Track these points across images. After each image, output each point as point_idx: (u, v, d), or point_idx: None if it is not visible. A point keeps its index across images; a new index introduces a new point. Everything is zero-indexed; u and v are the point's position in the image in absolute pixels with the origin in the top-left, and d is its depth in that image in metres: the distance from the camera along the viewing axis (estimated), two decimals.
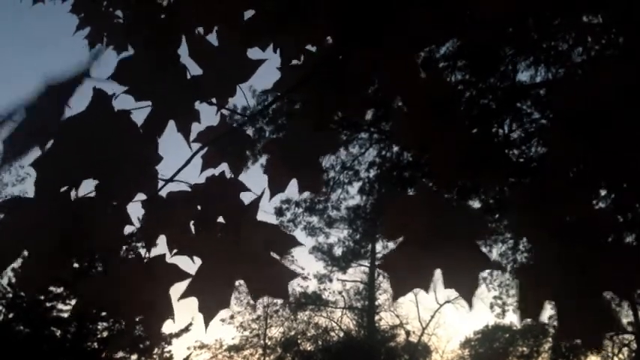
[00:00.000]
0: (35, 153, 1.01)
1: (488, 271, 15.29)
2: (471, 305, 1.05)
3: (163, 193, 1.18)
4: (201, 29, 1.22)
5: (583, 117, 1.10)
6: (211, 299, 1.08)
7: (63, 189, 1.04)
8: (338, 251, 21.35)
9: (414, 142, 1.34)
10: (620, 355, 20.15)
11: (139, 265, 1.10)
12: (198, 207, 1.18)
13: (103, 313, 13.85)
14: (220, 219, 1.17)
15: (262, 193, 1.16)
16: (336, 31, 1.24)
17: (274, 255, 1.11)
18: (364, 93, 1.27)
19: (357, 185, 13.93)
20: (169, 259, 1.10)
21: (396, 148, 11.35)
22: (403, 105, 1.25)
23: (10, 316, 13.86)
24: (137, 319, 1.07)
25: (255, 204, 1.16)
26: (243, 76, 1.29)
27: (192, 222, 1.17)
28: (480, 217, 1.23)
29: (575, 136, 1.10)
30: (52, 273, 1.08)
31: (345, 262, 21.59)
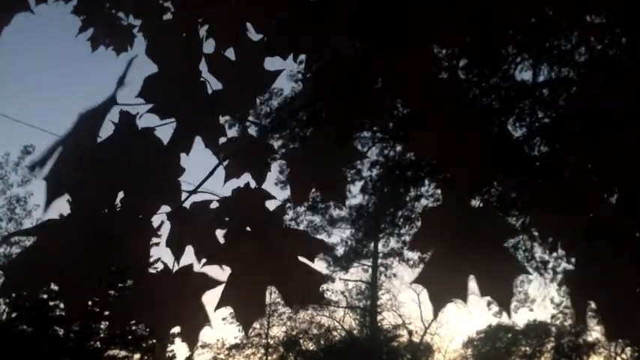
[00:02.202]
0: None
1: None
2: (509, 313, 1.04)
3: (188, 203, 1.19)
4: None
5: (595, 117, 1.11)
6: (247, 308, 1.09)
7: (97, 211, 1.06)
8: (340, 251, 21.36)
9: (433, 150, 1.34)
10: (623, 355, 20.16)
11: (168, 276, 1.10)
12: (226, 218, 1.19)
13: (106, 312, 13.89)
14: (248, 228, 1.17)
15: (287, 199, 1.17)
16: (359, 37, 1.24)
17: (303, 260, 1.12)
18: (386, 100, 1.28)
19: (359, 184, 13.92)
20: (198, 269, 1.11)
21: (398, 147, 11.36)
22: (422, 113, 1.26)
23: (13, 315, 13.89)
24: (173, 332, 1.08)
25: (280, 211, 1.17)
26: (261, 88, 1.30)
27: (218, 231, 1.18)
28: (502, 218, 1.24)
29: (588, 136, 1.11)
30: (87, 295, 1.09)
31: (347, 261, 21.59)
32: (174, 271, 1.10)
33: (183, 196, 1.14)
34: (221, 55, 1.26)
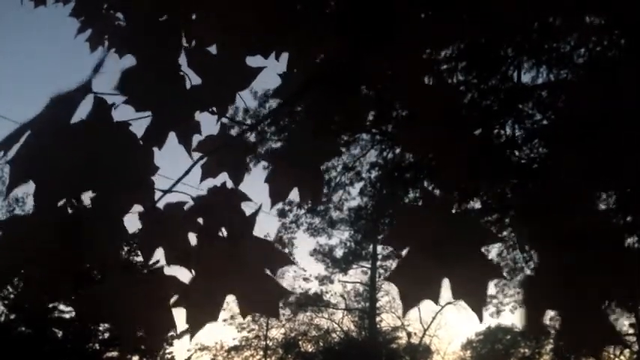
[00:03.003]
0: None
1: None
2: (481, 318, 1.02)
3: (162, 203, 1.16)
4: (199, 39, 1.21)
5: (585, 120, 1.09)
6: (200, 312, 1.07)
7: (61, 202, 1.02)
8: (339, 253, 21.35)
9: (421, 149, 1.32)
10: (622, 357, 20.13)
11: (138, 277, 1.08)
12: (200, 219, 1.16)
13: None
14: (223, 230, 1.15)
15: (259, 207, 1.14)
16: (344, 38, 1.22)
17: (267, 272, 1.09)
18: (366, 99, 1.26)
19: (358, 186, 13.90)
20: (168, 271, 1.08)
21: (397, 150, 11.33)
22: (412, 112, 1.25)
23: (12, 317, 13.87)
24: (139, 334, 1.05)
25: (252, 218, 1.14)
26: (242, 84, 1.27)
27: (190, 233, 1.15)
28: (483, 223, 1.22)
29: (577, 139, 1.09)
30: (52, 288, 1.06)
31: (346, 263, 21.58)
32: (144, 272, 1.07)
33: (158, 195, 1.11)
34: (202, 49, 1.24)
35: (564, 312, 0.99)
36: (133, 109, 1.11)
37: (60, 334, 14.07)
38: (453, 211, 1.14)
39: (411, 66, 1.19)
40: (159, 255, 1.17)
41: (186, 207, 1.17)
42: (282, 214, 16.30)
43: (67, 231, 1.00)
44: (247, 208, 1.18)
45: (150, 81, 1.14)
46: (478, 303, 1.02)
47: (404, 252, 1.06)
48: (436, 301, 1.03)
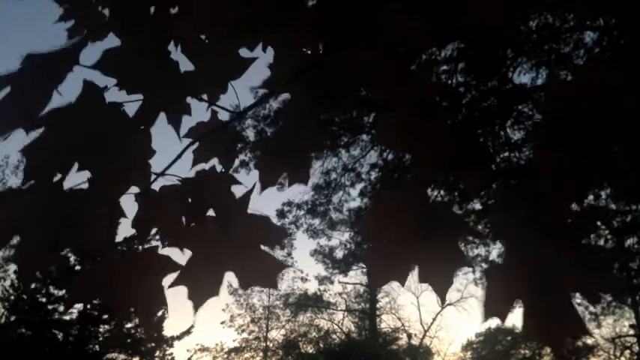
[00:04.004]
0: (19, 135, 1.04)
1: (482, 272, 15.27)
2: (443, 300, 1.07)
3: (156, 187, 1.20)
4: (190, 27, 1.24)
5: (570, 119, 1.11)
6: (201, 288, 1.11)
7: (54, 178, 1.06)
8: (339, 254, 21.32)
9: (401, 142, 1.36)
10: (622, 358, 20.09)
11: (133, 256, 1.12)
12: (189, 200, 1.20)
13: (105, 316, 13.88)
14: (211, 212, 1.19)
15: (254, 185, 1.19)
16: (324, 33, 1.26)
17: (265, 248, 1.14)
18: (352, 93, 1.30)
19: (358, 187, 13.88)
20: (161, 251, 1.12)
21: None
22: (390, 105, 1.27)
23: (12, 318, 13.88)
24: (131, 310, 1.09)
25: (246, 197, 1.18)
26: (234, 74, 1.31)
27: (183, 215, 1.19)
28: (463, 218, 1.26)
29: (561, 138, 1.11)
30: (42, 263, 1.10)
31: (346, 264, 21.55)
32: (138, 252, 1.11)
33: (152, 178, 1.16)
34: (196, 36, 1.28)
35: (530, 301, 1.01)
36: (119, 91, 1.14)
37: (60, 335, 14.08)
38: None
39: (386, 57, 1.22)
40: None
41: (176, 188, 1.21)
42: (281, 214, 16.29)
43: (61, 208, 1.04)
44: (238, 193, 1.22)
45: (138, 64, 1.16)
46: (443, 288, 1.07)
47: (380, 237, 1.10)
48: (402, 284, 1.08)
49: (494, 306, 1.00)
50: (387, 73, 1.24)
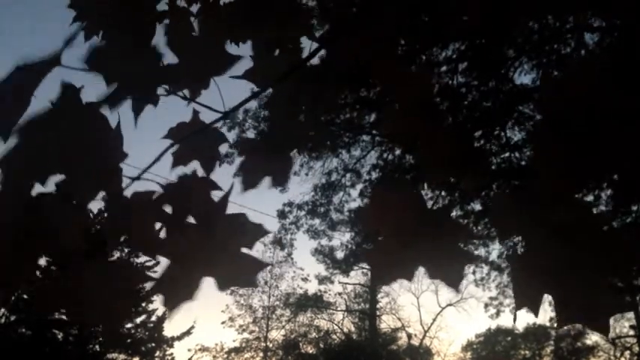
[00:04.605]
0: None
1: (485, 272, 15.34)
2: (458, 290, 1.06)
3: (130, 191, 1.14)
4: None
5: (569, 118, 1.08)
6: (176, 296, 1.07)
7: (29, 186, 1.01)
8: (340, 254, 21.33)
9: (402, 139, 1.33)
10: (623, 359, 20.11)
11: (102, 265, 1.06)
12: (168, 207, 1.15)
13: None
14: (190, 219, 1.14)
15: (231, 187, 1.14)
16: (326, 24, 1.23)
17: (244, 249, 1.09)
18: (344, 90, 1.26)
19: (359, 188, 13.88)
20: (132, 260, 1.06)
21: (397, 151, 11.34)
22: (393, 101, 1.25)
23: (12, 318, 13.90)
24: (97, 320, 1.05)
25: (224, 200, 1.13)
26: (218, 69, 1.26)
27: (158, 222, 1.14)
28: (464, 222, 1.22)
29: (561, 138, 1.08)
30: (15, 272, 1.04)
31: (346, 264, 21.56)
32: (108, 260, 1.05)
33: (126, 182, 1.10)
34: (184, 28, 1.24)
35: (561, 288, 0.97)
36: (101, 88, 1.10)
37: (60, 335, 14.10)
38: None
39: (384, 54, 1.19)
40: None
41: (154, 196, 1.16)
42: (282, 215, 16.28)
43: (31, 214, 0.99)
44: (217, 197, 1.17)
45: (121, 55, 1.13)
46: (455, 281, 1.05)
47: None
48: (410, 279, 1.05)
49: (525, 297, 0.98)
50: (386, 71, 1.22)
